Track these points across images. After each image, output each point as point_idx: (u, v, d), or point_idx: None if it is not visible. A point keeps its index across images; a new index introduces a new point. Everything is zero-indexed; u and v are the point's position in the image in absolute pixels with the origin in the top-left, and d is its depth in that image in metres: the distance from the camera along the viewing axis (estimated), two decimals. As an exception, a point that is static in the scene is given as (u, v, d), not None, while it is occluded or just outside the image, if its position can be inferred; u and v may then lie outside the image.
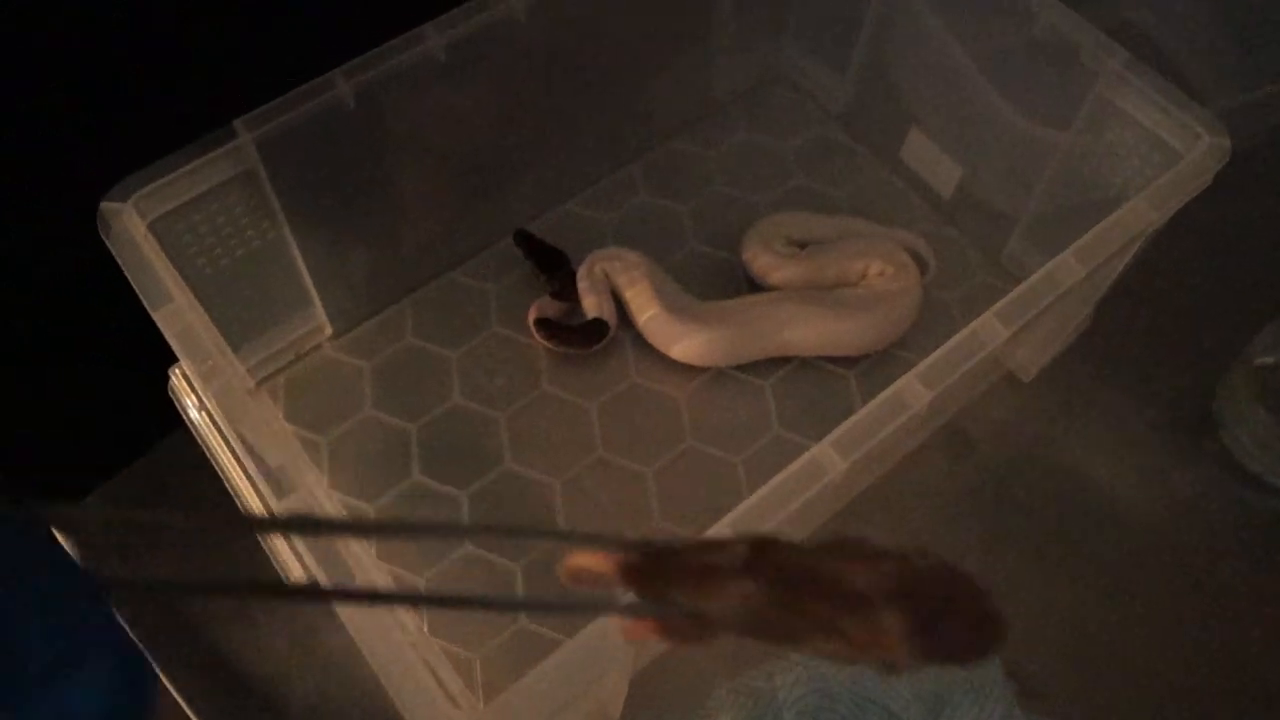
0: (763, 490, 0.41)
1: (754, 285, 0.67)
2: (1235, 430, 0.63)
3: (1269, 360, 0.64)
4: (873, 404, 0.44)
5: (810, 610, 0.29)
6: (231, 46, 0.52)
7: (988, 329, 0.46)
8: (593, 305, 0.64)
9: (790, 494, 0.41)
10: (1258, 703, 0.57)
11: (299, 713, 0.55)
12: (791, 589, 0.29)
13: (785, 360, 0.65)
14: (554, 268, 0.65)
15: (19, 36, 0.45)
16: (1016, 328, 0.46)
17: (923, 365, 0.45)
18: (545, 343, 0.63)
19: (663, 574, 0.30)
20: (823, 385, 0.64)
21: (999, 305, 0.47)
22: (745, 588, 0.29)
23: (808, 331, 0.63)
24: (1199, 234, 0.71)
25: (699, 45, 0.70)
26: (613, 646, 0.38)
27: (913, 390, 0.44)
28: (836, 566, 0.29)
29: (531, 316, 0.64)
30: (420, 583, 0.57)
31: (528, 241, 0.65)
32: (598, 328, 0.63)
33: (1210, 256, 0.70)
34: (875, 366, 0.64)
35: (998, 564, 0.60)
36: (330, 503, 0.58)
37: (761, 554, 0.30)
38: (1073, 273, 0.48)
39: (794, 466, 0.42)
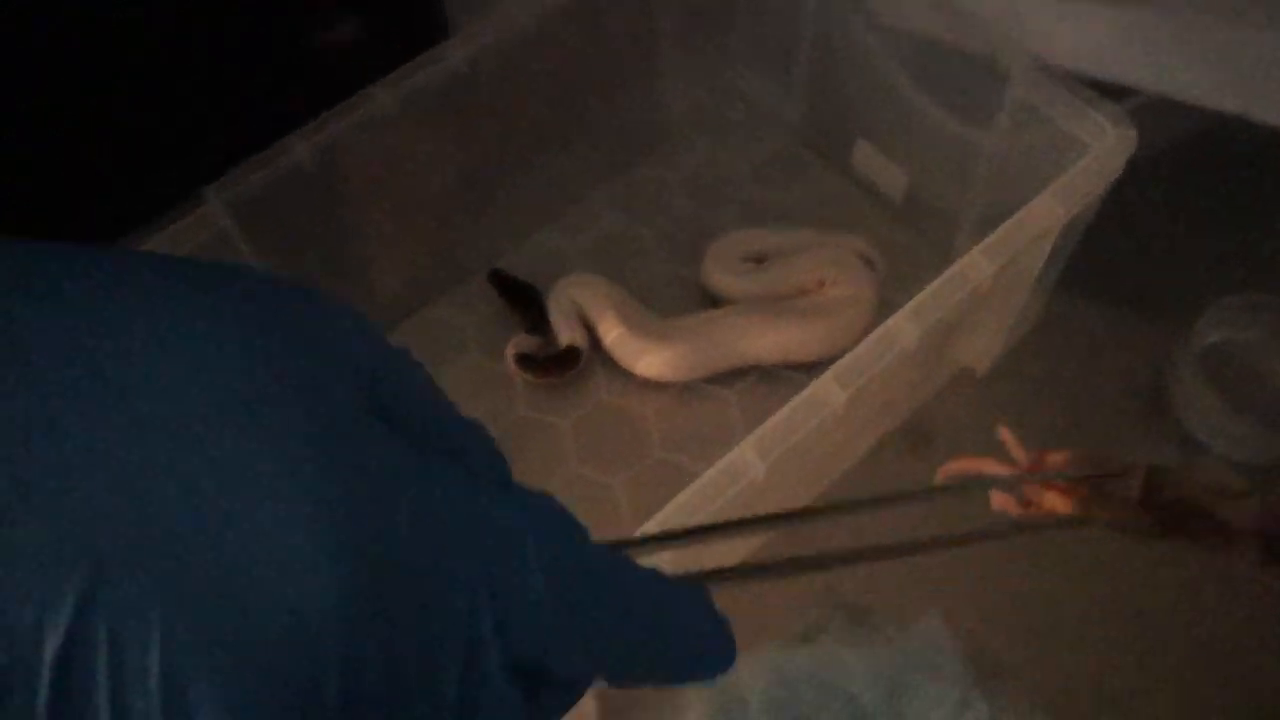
0: (684, 492, 0.45)
1: (715, 301, 0.71)
2: (1185, 408, 0.65)
3: (1213, 340, 0.66)
4: (788, 406, 0.47)
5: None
6: (198, 122, 0.57)
7: (899, 329, 0.49)
8: (565, 333, 0.68)
9: (713, 494, 0.45)
10: (1211, 670, 0.59)
11: None
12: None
13: (748, 371, 0.68)
14: (527, 302, 0.69)
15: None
16: (928, 325, 0.49)
17: (837, 365, 0.48)
18: (525, 375, 0.67)
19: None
20: (784, 392, 0.67)
21: (909, 306, 0.50)
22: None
23: (766, 342, 0.66)
24: (1146, 222, 0.73)
25: (648, 76, 0.74)
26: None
27: (828, 390, 0.48)
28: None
29: (510, 353, 0.68)
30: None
31: (501, 281, 0.69)
32: (571, 355, 0.67)
33: (1158, 243, 0.72)
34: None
35: (956, 554, 0.62)
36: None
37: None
38: (981, 270, 0.51)
39: (713, 470, 0.45)
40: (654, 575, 0.24)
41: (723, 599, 0.63)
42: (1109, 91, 0.66)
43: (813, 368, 0.68)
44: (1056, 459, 0.44)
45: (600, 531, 0.63)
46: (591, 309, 0.67)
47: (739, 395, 0.67)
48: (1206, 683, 0.58)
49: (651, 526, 0.44)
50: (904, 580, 0.61)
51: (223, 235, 0.56)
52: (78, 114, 0.53)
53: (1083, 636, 0.60)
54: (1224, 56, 0.55)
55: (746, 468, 0.45)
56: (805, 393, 0.48)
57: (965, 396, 0.68)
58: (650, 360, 0.66)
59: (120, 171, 0.56)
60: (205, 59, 0.57)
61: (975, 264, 0.51)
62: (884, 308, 0.68)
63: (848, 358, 0.49)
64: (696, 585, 0.25)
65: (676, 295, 0.71)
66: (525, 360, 0.67)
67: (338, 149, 0.58)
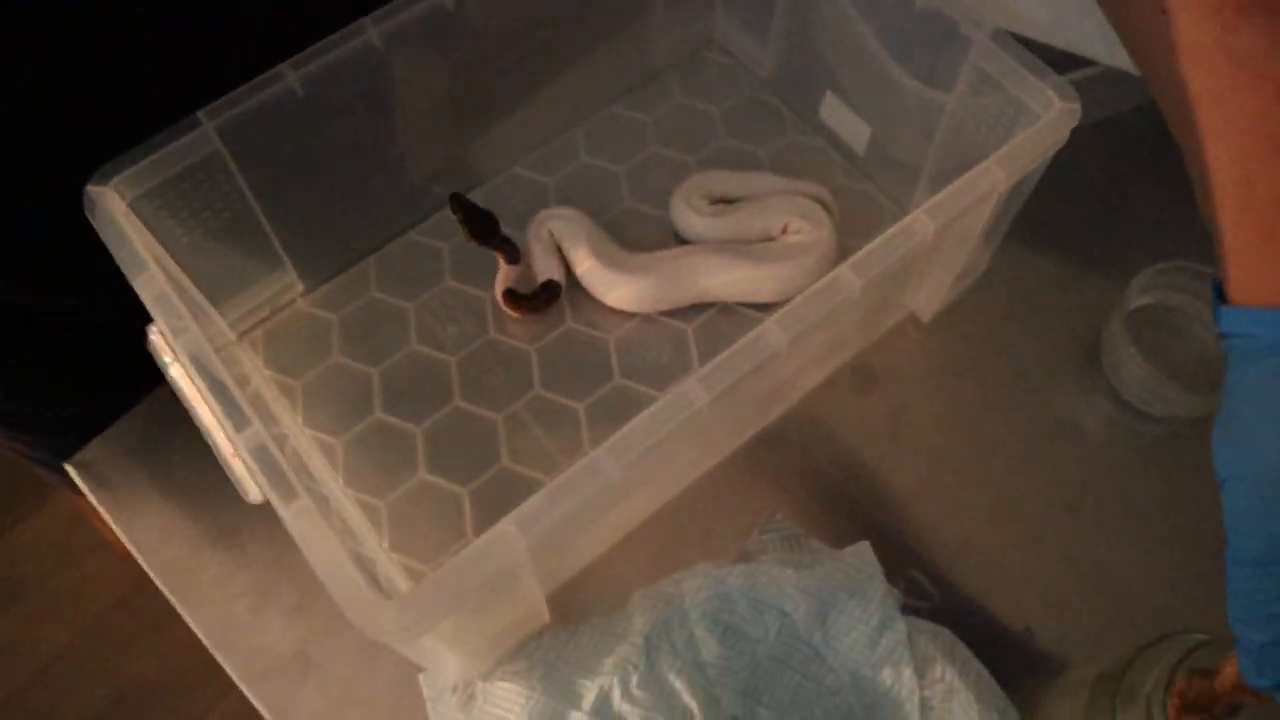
0: (637, 419, 0.49)
1: (681, 240, 0.74)
2: (1116, 367, 0.70)
3: (1142, 303, 0.71)
4: (734, 346, 0.51)
5: None
6: (196, 48, 0.60)
7: (842, 279, 0.53)
8: (543, 266, 0.71)
9: (660, 423, 0.49)
10: (1117, 603, 0.64)
11: (277, 616, 0.64)
12: None
13: (708, 306, 0.72)
14: (486, 230, 0.70)
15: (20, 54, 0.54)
16: (868, 277, 0.53)
17: (781, 311, 0.52)
18: (513, 312, 0.71)
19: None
20: (740, 328, 0.71)
21: (853, 258, 0.54)
22: None
23: (728, 280, 0.70)
24: (1091, 187, 0.77)
25: (635, 19, 0.77)
26: (507, 547, 0.46)
27: (772, 333, 0.52)
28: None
29: (500, 289, 0.71)
30: (382, 506, 0.66)
31: (461, 205, 0.70)
32: (551, 289, 0.71)
33: (1100, 208, 0.77)
34: (788, 310, 0.72)
35: (893, 486, 0.68)
36: (303, 436, 0.67)
37: None
38: (924, 227, 0.55)
39: (663, 399, 0.49)
40: None
41: (676, 517, 0.68)
42: (1068, 60, 0.69)
43: (769, 308, 0.72)
44: None
45: (563, 451, 0.69)
46: (566, 240, 0.71)
47: (698, 329, 0.71)
48: (1127, 609, 0.64)
49: (603, 451, 0.48)
50: (842, 507, 0.67)
51: (214, 157, 0.59)
52: (84, 35, 0.56)
53: (1002, 569, 0.65)
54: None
55: (692, 400, 0.50)
56: (750, 335, 0.52)
57: (910, 340, 0.72)
58: (620, 292, 0.70)
59: (119, 95, 0.59)
60: None
61: (919, 221, 0.55)
62: (842, 255, 0.72)
63: (792, 303, 0.53)
64: None
65: (644, 232, 0.75)
66: (513, 297, 0.71)
67: (326, 78, 0.60)
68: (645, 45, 0.80)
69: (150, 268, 0.54)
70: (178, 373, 0.54)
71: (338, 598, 0.46)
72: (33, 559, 1.55)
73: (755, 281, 0.70)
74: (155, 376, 0.56)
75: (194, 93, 0.59)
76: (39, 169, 0.58)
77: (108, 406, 0.71)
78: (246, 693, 0.63)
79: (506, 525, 0.47)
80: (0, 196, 0.60)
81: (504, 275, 0.71)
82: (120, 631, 1.49)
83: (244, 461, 0.53)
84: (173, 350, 0.54)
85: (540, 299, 0.71)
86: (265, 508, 0.65)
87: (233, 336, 0.71)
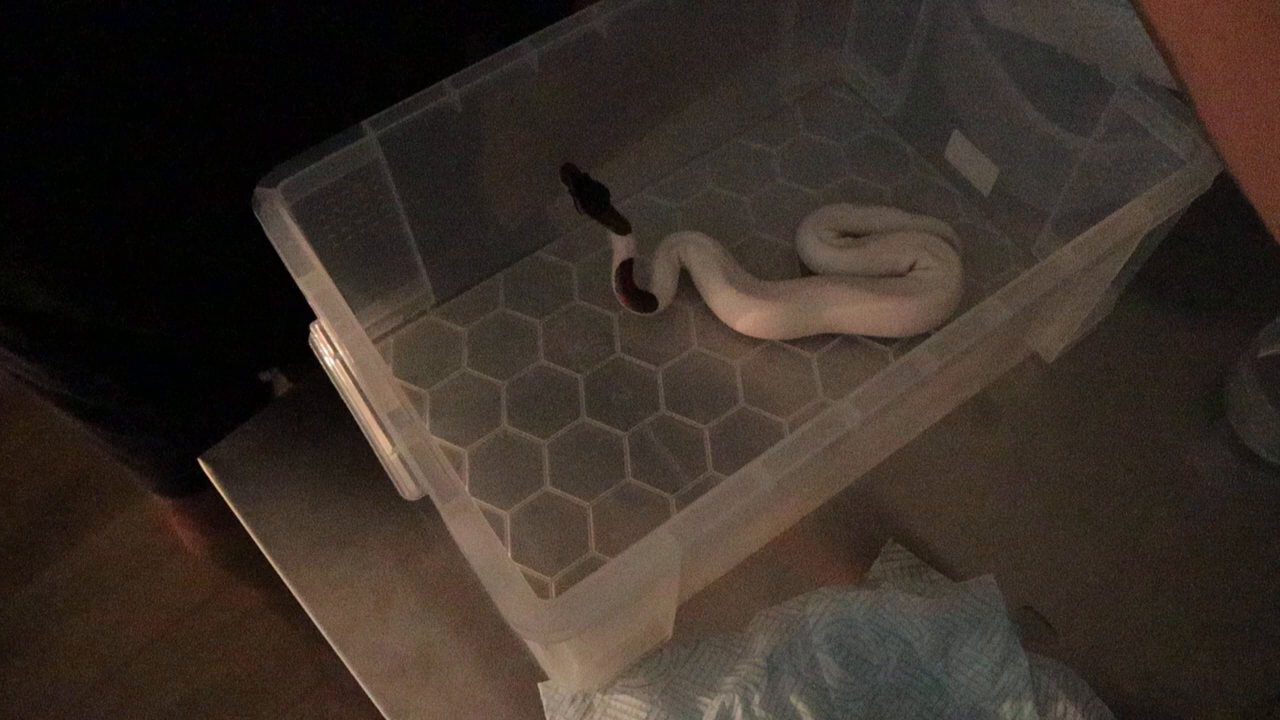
0: (791, 436, 0.50)
1: (806, 270, 0.75)
2: (1241, 415, 0.70)
3: (1272, 352, 0.71)
4: (887, 369, 0.52)
5: None
6: (363, 64, 0.62)
7: (991, 309, 0.54)
8: (660, 286, 0.73)
9: (814, 440, 0.50)
10: (1241, 652, 0.63)
11: (400, 618, 0.65)
12: None
13: (832, 337, 0.73)
14: (597, 202, 0.70)
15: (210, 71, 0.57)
16: (1017, 310, 0.54)
17: (934, 338, 0.53)
18: (615, 283, 0.72)
19: None
20: (864, 360, 0.72)
21: (1002, 290, 0.54)
22: None
23: (856, 312, 0.71)
24: (1219, 235, 0.77)
25: (765, 54, 0.79)
26: (663, 554, 0.47)
27: (922, 359, 0.52)
28: None
29: (617, 262, 0.72)
30: (506, 516, 0.67)
31: (574, 175, 0.70)
32: (647, 300, 0.72)
33: (1228, 256, 0.77)
34: (911, 344, 0.72)
35: (1014, 523, 0.68)
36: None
37: None
38: (1071, 264, 0.56)
39: (819, 417, 0.50)
40: None
41: (797, 541, 0.69)
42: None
43: (892, 342, 0.72)
44: None
45: (687, 470, 0.69)
46: (698, 265, 0.73)
47: (822, 359, 0.72)
48: (1250, 662, 0.63)
49: (759, 464, 0.49)
50: (962, 541, 0.67)
51: (374, 167, 0.61)
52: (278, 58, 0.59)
53: (1124, 611, 0.65)
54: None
55: (845, 418, 0.50)
56: (903, 359, 0.52)
57: (1031, 380, 0.73)
58: (751, 318, 0.71)
59: (308, 102, 0.61)
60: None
61: (1066, 258, 0.56)
62: (965, 293, 0.73)
63: (943, 331, 0.53)
64: None
65: (769, 262, 0.76)
66: (626, 270, 0.71)
67: (483, 96, 0.63)
68: (772, 79, 0.81)
69: (315, 267, 0.56)
70: (337, 369, 0.56)
71: (495, 594, 0.47)
72: (114, 561, 1.58)
73: (883, 315, 0.70)
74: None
75: (360, 105, 0.61)
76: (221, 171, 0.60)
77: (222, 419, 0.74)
78: (368, 692, 0.64)
79: (664, 533, 0.47)
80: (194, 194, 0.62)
81: (623, 246, 0.71)
82: (196, 636, 1.51)
83: (401, 458, 0.54)
84: (334, 347, 0.55)
85: (635, 296, 0.72)
86: (389, 510, 0.68)
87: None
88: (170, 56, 0.55)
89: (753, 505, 0.49)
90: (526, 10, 0.68)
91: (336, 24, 0.61)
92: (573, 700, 0.62)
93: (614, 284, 0.72)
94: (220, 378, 0.84)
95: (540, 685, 0.63)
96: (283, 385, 0.92)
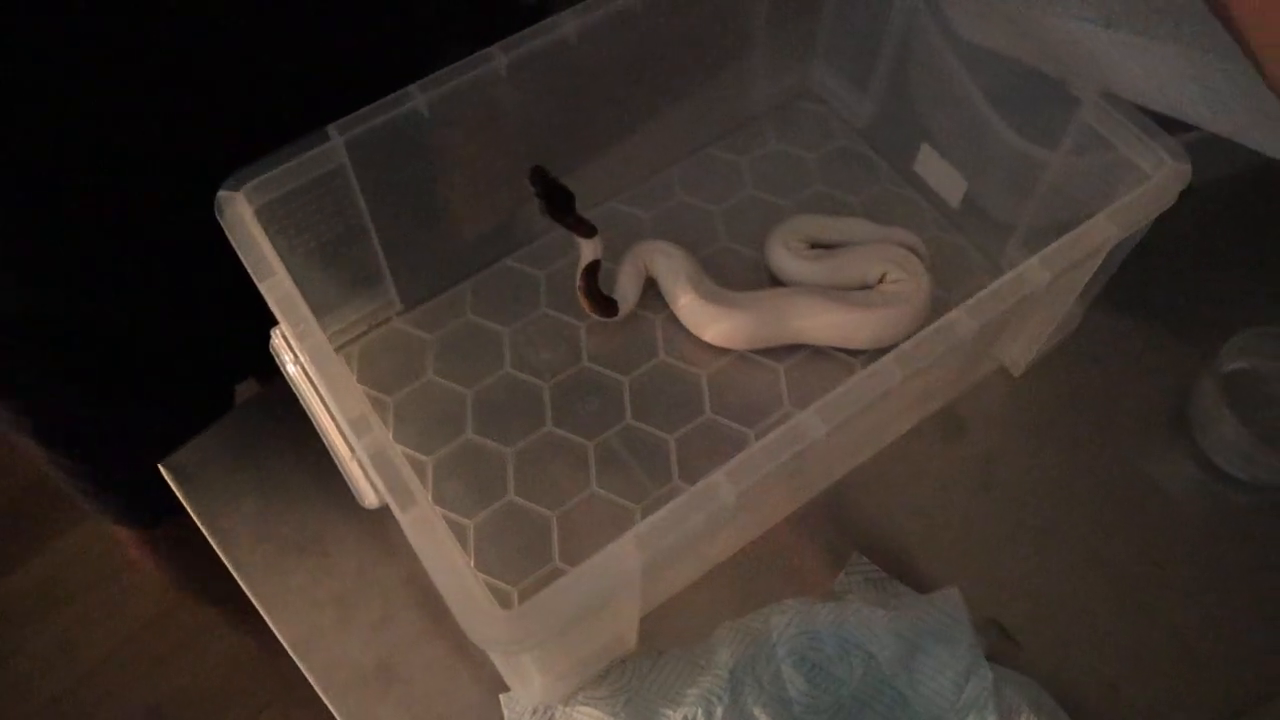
0: (754, 446, 0.50)
1: (775, 281, 0.75)
2: (1205, 429, 0.70)
3: (1236, 367, 0.71)
4: (852, 380, 0.52)
5: None
6: (329, 65, 0.62)
7: (958, 321, 0.54)
8: (623, 292, 0.72)
9: (777, 451, 0.50)
10: (1203, 664, 0.64)
11: (360, 628, 0.64)
12: None
13: (800, 348, 0.73)
14: (562, 207, 0.69)
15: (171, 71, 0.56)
16: (983, 322, 0.54)
17: (900, 349, 0.53)
18: (580, 283, 0.71)
19: None
20: (832, 371, 0.72)
21: (968, 302, 0.54)
22: None
23: (824, 323, 0.71)
24: (1183, 249, 0.78)
25: (736, 64, 0.79)
26: (624, 565, 0.47)
27: (888, 370, 0.52)
28: None
29: (585, 261, 0.71)
30: (469, 525, 0.66)
31: (542, 179, 0.69)
32: (607, 304, 0.72)
33: (1193, 270, 0.77)
34: (879, 356, 0.72)
35: (979, 536, 0.67)
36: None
37: None
38: (1038, 277, 0.56)
39: (783, 428, 0.50)
40: None
41: (763, 552, 0.69)
42: (1167, 124, 0.70)
43: (859, 353, 0.72)
44: None
45: (653, 480, 0.69)
46: (666, 274, 0.72)
47: (790, 370, 0.72)
48: (1211, 674, 0.63)
49: (720, 475, 0.49)
50: (927, 553, 0.66)
51: (339, 171, 0.61)
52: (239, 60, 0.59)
53: (1088, 624, 0.65)
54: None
55: (809, 429, 0.50)
56: (868, 369, 0.52)
57: (998, 393, 0.73)
58: (719, 328, 0.71)
59: (271, 104, 0.61)
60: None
61: (1033, 270, 0.56)
62: (933, 306, 0.73)
63: (908, 343, 0.53)
64: None
65: (738, 272, 0.76)
66: (592, 273, 0.71)
67: (451, 101, 0.62)
68: (743, 89, 0.81)
69: (277, 271, 0.55)
70: (298, 375, 0.55)
71: (453, 604, 0.46)
72: (73, 570, 1.56)
73: (851, 326, 0.70)
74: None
75: (324, 109, 0.60)
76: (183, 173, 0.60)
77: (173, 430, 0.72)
78: (327, 702, 0.63)
79: (625, 542, 0.47)
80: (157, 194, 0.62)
81: (590, 249, 0.71)
82: (159, 645, 1.49)
83: (362, 466, 0.53)
84: (295, 353, 0.55)
85: (597, 300, 0.72)
86: (351, 519, 0.67)
87: (330, 349, 0.72)
88: (131, 52, 0.54)
89: (715, 516, 0.48)
90: (502, 21, 0.67)
91: (305, 23, 0.61)
92: (534, 712, 0.61)
93: (578, 284, 0.72)
94: (188, 389, 0.82)
95: (502, 696, 0.62)
96: (250, 392, 0.91)
